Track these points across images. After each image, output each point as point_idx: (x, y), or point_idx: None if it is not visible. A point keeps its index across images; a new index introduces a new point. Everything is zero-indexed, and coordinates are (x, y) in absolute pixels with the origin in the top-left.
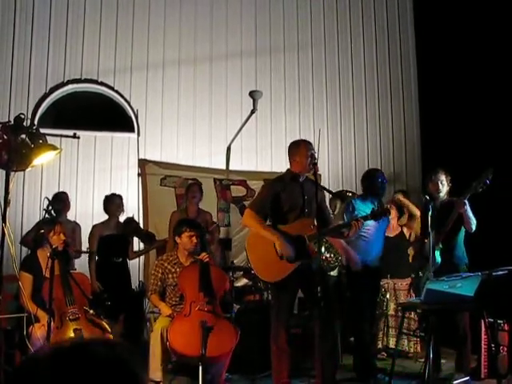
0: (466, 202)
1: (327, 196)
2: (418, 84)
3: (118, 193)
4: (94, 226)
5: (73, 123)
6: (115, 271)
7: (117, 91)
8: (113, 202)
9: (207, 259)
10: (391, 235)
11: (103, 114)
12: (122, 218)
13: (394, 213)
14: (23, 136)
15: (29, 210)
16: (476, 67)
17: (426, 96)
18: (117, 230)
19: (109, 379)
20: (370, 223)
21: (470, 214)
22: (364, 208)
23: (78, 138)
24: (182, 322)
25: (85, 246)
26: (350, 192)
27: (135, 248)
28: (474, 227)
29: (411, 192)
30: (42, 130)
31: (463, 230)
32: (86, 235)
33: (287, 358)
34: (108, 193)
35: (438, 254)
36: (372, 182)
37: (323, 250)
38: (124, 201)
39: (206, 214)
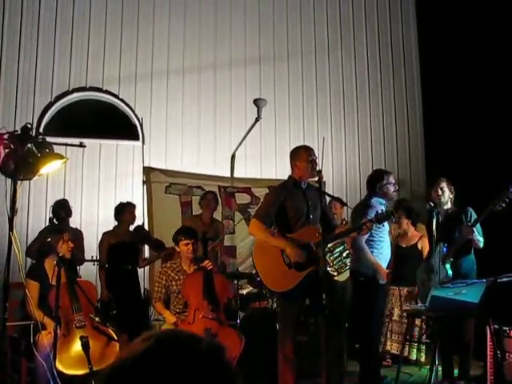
0: (475, 229)
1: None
2: (422, 90)
3: (125, 201)
4: (104, 234)
5: (78, 131)
6: (126, 279)
7: (121, 99)
8: (128, 211)
9: (211, 267)
10: (404, 245)
11: (108, 122)
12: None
13: (406, 222)
14: (30, 145)
15: (34, 218)
16: (480, 72)
17: (429, 102)
18: (126, 237)
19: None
20: (384, 227)
21: (478, 237)
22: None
23: (85, 146)
24: (186, 330)
25: (88, 253)
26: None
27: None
28: (481, 245)
29: (416, 199)
30: (48, 139)
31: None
32: (91, 243)
33: (293, 367)
34: (112, 200)
35: (448, 267)
36: (377, 182)
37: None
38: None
39: (220, 223)
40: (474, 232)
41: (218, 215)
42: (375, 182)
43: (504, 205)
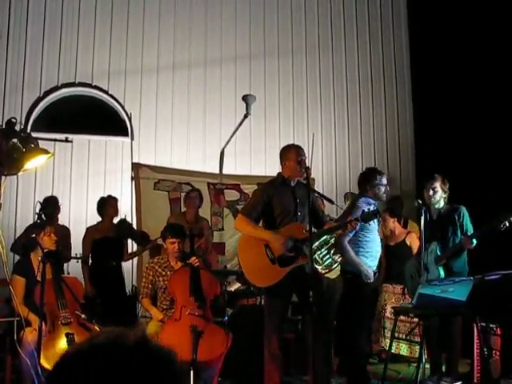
0: (474, 241)
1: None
2: (412, 88)
3: (105, 196)
4: (87, 229)
5: (67, 127)
6: (110, 275)
7: (111, 95)
8: (110, 204)
9: (197, 263)
10: (392, 243)
11: (97, 117)
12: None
13: (392, 221)
14: (15, 140)
15: (22, 213)
16: (470, 70)
17: (420, 100)
18: (110, 232)
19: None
20: (372, 226)
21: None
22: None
23: (70, 141)
24: (172, 327)
25: (77, 249)
26: (353, 193)
27: (129, 249)
28: (473, 245)
29: (405, 197)
30: (35, 134)
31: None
32: (79, 239)
33: (279, 364)
34: (101, 196)
35: (441, 268)
36: (368, 182)
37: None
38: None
39: (204, 220)
40: (472, 243)
41: (207, 212)
42: (366, 181)
43: (508, 225)
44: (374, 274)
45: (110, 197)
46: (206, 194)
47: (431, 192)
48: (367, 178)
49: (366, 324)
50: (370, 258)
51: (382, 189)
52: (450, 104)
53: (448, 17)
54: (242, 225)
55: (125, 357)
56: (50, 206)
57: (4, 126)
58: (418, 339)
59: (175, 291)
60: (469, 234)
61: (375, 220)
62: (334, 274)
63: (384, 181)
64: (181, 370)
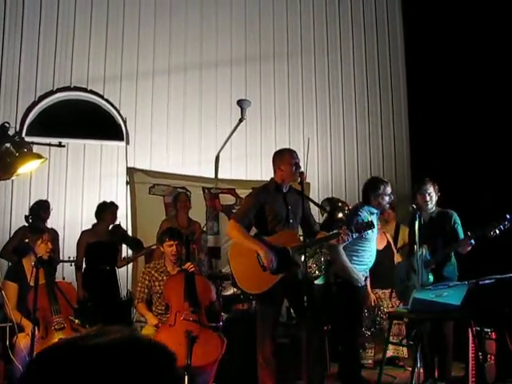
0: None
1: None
2: (408, 92)
3: (108, 201)
4: (82, 233)
5: (62, 131)
6: (103, 279)
7: (106, 99)
8: (110, 211)
9: (192, 269)
10: (379, 248)
11: (92, 122)
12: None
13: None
14: (7, 145)
15: (17, 218)
16: (465, 73)
17: (415, 104)
18: (105, 236)
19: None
20: (370, 235)
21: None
22: (367, 217)
23: (64, 146)
24: (167, 332)
25: (71, 253)
26: (340, 202)
27: (123, 255)
28: (468, 249)
29: (401, 201)
30: (30, 139)
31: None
32: (74, 243)
33: (273, 369)
34: (96, 201)
35: (430, 274)
36: (372, 191)
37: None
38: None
39: (196, 223)
40: (469, 248)
41: (202, 216)
42: (370, 190)
43: (498, 232)
44: (366, 278)
45: (111, 203)
46: (201, 198)
47: (428, 197)
48: (371, 188)
49: (357, 328)
50: (363, 267)
51: (386, 198)
52: (445, 108)
53: (443, 17)
54: (234, 232)
55: (106, 353)
56: (41, 209)
57: None
58: (404, 341)
59: (170, 296)
60: (460, 239)
61: (370, 231)
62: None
63: (388, 190)
64: (178, 370)
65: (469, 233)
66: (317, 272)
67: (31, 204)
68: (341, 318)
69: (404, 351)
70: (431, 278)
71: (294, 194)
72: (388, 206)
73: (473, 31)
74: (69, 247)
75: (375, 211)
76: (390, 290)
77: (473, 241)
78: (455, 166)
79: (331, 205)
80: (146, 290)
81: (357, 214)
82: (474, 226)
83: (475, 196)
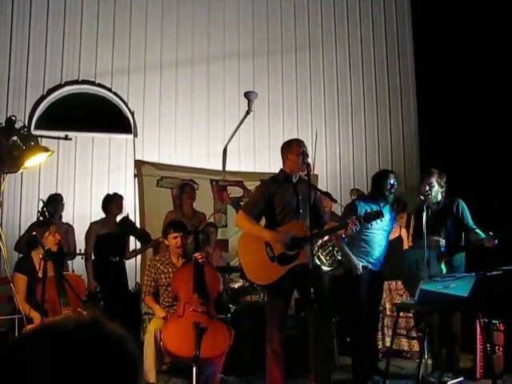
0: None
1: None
2: (417, 83)
3: (111, 193)
4: (91, 224)
5: (70, 125)
6: (112, 271)
7: (114, 92)
8: (115, 202)
9: (202, 259)
10: (389, 239)
11: (100, 115)
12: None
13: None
14: (15, 138)
15: (26, 211)
16: (474, 66)
17: (424, 95)
18: (114, 228)
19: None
20: (374, 225)
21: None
22: (367, 209)
23: (70, 139)
24: (175, 323)
25: (81, 247)
26: (358, 189)
27: (131, 247)
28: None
29: (410, 192)
30: (38, 132)
31: (463, 235)
32: (83, 236)
33: (281, 361)
34: (105, 194)
35: (443, 265)
36: (380, 183)
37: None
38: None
39: (201, 214)
40: (495, 242)
41: (210, 208)
42: (377, 181)
43: None
44: (365, 268)
45: (115, 194)
46: (209, 190)
47: (427, 187)
48: (378, 179)
49: (364, 318)
50: (369, 256)
51: (392, 190)
52: (454, 101)
53: (452, 15)
54: (242, 222)
55: (61, 341)
56: (53, 203)
57: (4, 124)
58: (414, 334)
59: (179, 287)
60: (469, 225)
61: (378, 220)
62: (332, 270)
63: (393, 181)
64: (133, 352)
65: (469, 225)
66: (327, 266)
67: (40, 197)
68: (348, 309)
69: (415, 345)
70: (445, 270)
71: (305, 184)
72: (392, 198)
73: (483, 29)
74: (78, 240)
75: (374, 205)
76: (395, 283)
77: (497, 240)
78: (465, 157)
79: (358, 196)
80: (153, 283)
81: (354, 209)
82: (486, 215)
83: (485, 187)
